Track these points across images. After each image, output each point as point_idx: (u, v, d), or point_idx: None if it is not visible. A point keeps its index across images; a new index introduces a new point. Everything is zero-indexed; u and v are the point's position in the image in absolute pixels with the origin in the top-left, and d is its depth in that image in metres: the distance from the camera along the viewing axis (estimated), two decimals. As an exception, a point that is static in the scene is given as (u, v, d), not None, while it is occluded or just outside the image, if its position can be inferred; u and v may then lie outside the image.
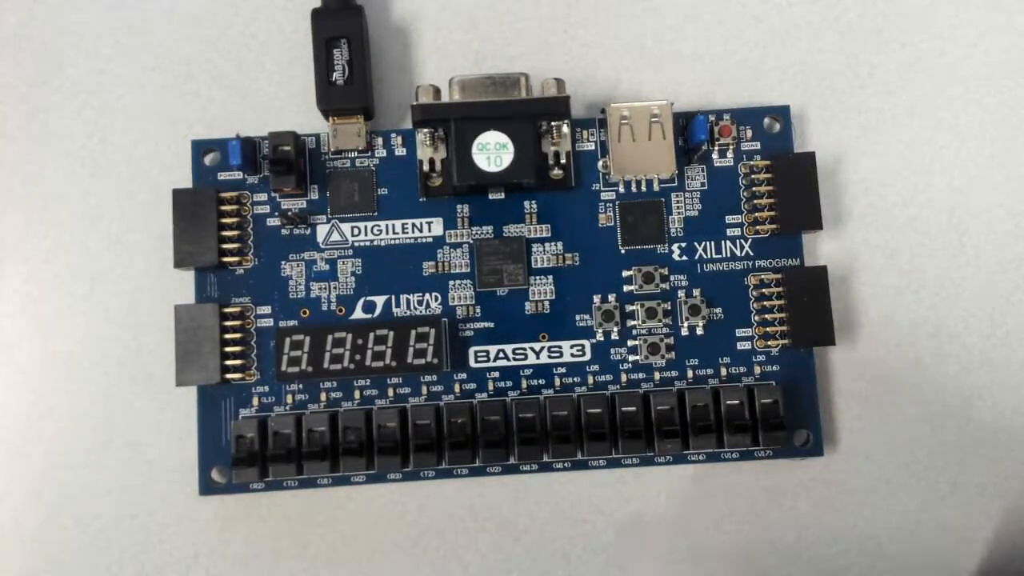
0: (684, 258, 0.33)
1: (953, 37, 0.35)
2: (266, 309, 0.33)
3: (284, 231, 0.33)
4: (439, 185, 0.33)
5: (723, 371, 0.33)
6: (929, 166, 0.34)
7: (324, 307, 0.33)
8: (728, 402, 0.31)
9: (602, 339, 0.33)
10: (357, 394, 0.33)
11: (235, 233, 0.33)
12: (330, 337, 0.32)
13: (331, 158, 0.34)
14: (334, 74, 0.33)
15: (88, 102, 0.35)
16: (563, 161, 0.33)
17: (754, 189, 0.33)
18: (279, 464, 0.31)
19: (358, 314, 0.33)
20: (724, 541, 0.33)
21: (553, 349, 0.33)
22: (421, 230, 0.33)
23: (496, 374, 0.33)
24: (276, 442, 0.31)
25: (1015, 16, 0.35)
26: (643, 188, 0.34)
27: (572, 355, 0.33)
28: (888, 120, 0.35)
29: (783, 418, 0.31)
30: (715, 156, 0.34)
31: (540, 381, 0.33)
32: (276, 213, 0.33)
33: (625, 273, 0.33)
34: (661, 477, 0.33)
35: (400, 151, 0.34)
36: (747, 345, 0.33)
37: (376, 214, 0.33)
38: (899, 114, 0.35)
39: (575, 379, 0.33)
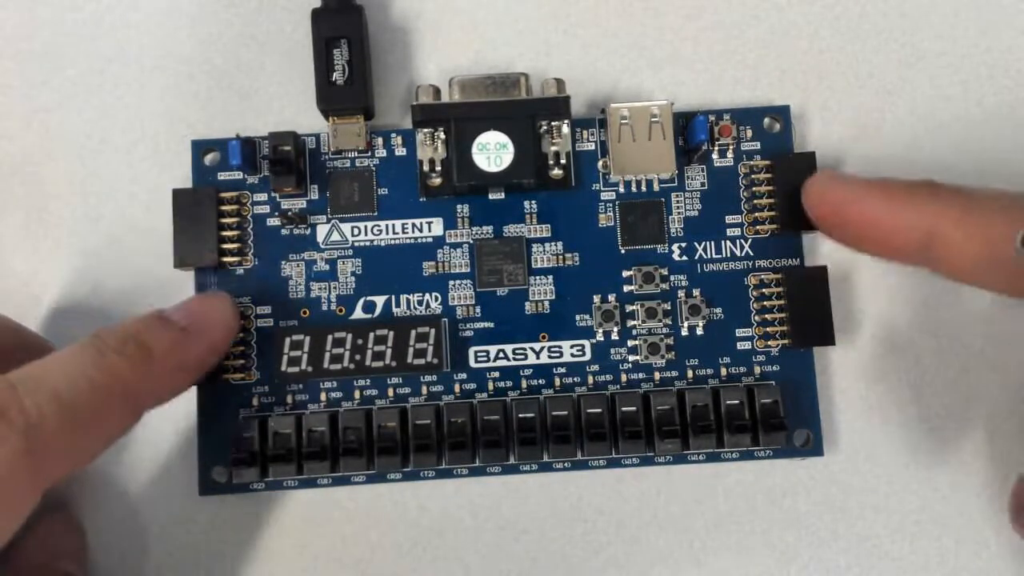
0: (684, 258, 0.33)
1: (953, 37, 0.35)
2: (266, 309, 0.33)
3: (284, 231, 0.33)
4: (439, 185, 0.33)
5: (723, 371, 0.33)
6: (929, 166, 0.34)
7: (324, 307, 0.33)
8: (728, 402, 0.31)
9: (602, 339, 0.33)
10: (357, 394, 0.33)
11: (235, 233, 0.33)
12: (330, 337, 0.32)
13: (331, 158, 0.34)
14: (334, 74, 0.33)
15: (88, 102, 0.35)
16: (563, 161, 0.33)
17: (754, 189, 0.33)
18: (279, 464, 0.31)
19: (358, 314, 0.33)
20: (724, 541, 0.33)
21: (553, 349, 0.33)
22: (421, 230, 0.33)
23: (496, 374, 0.33)
24: (276, 442, 0.31)
25: (1015, 16, 0.35)
26: (643, 188, 0.34)
27: (572, 355, 0.33)
28: (888, 120, 0.35)
29: (783, 418, 0.31)
30: (715, 156, 0.34)
31: (540, 381, 0.33)
32: (276, 213, 0.33)
33: (625, 273, 0.33)
34: (661, 477, 0.33)
35: (400, 151, 0.34)
36: (747, 345, 0.33)
37: (376, 214, 0.33)
38: (899, 114, 0.35)
39: (575, 379, 0.33)
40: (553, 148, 0.33)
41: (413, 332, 0.32)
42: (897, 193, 0.29)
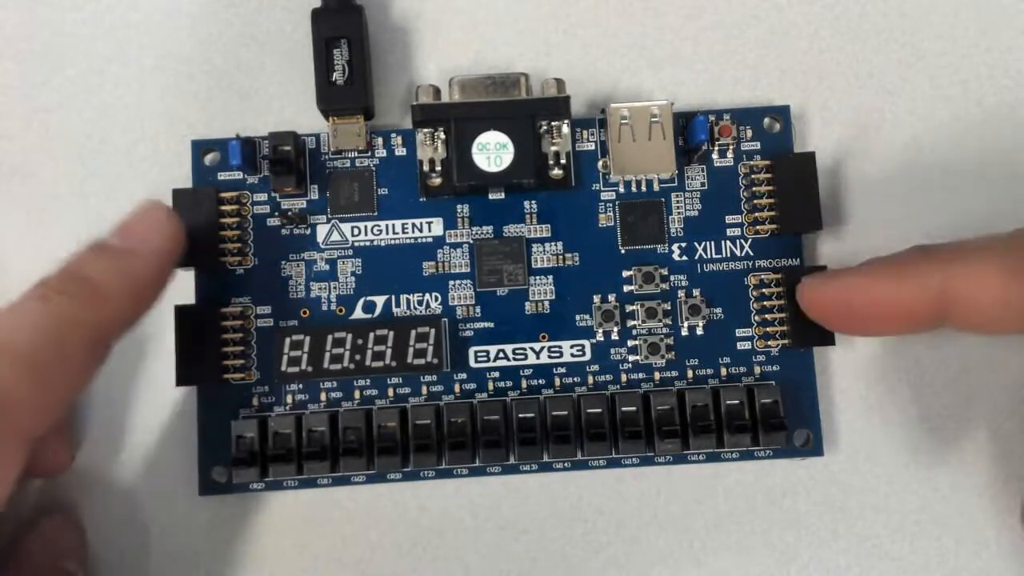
0: (684, 258, 0.33)
1: (953, 37, 0.35)
2: (266, 309, 0.33)
3: (284, 231, 0.33)
4: (439, 185, 0.33)
5: (723, 371, 0.33)
6: (929, 166, 0.34)
7: (324, 307, 0.33)
8: (728, 402, 0.31)
9: (602, 339, 0.33)
10: (357, 394, 0.33)
11: (235, 233, 0.33)
12: (330, 337, 0.32)
13: (331, 158, 0.34)
14: (334, 74, 0.33)
15: (88, 102, 0.35)
16: (563, 161, 0.33)
17: (754, 189, 0.33)
18: (279, 464, 0.31)
19: (358, 314, 0.33)
20: (724, 541, 0.33)
21: (553, 349, 0.33)
22: (421, 230, 0.33)
23: (496, 374, 0.33)
24: (276, 442, 0.31)
25: (1015, 16, 0.35)
26: (643, 188, 0.34)
27: (572, 355, 0.33)
28: (888, 120, 0.35)
29: (783, 418, 0.31)
30: (715, 156, 0.34)
31: (540, 381, 0.33)
32: (276, 213, 0.33)
33: (625, 273, 0.33)
34: (661, 477, 0.33)
35: (400, 151, 0.34)
36: (747, 345, 0.33)
37: (376, 214, 0.33)
38: (899, 114, 0.35)
39: (575, 379, 0.33)
40: (553, 148, 0.33)
41: (413, 332, 0.32)
42: (893, 269, 0.29)
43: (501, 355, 0.33)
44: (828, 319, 0.31)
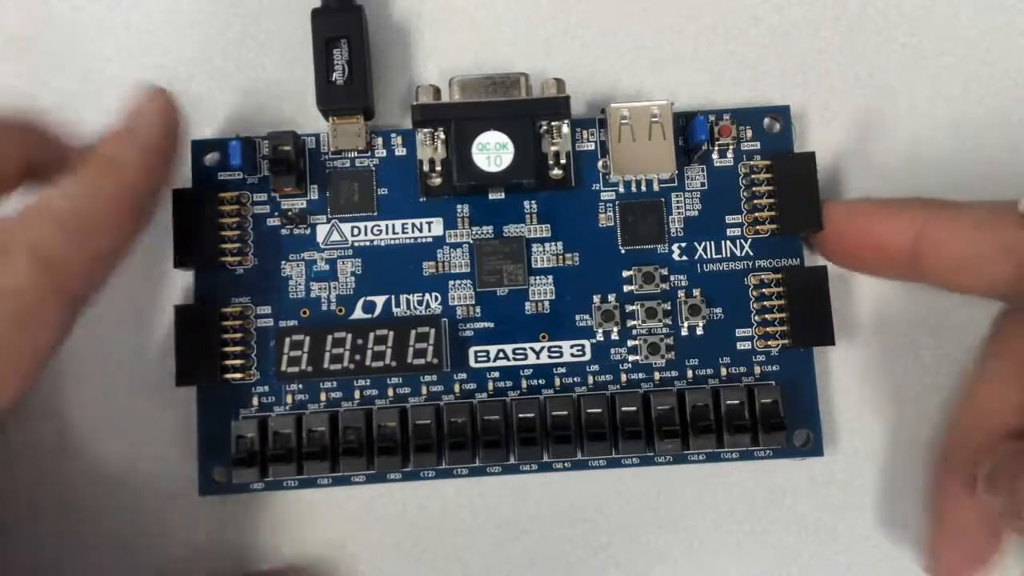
0: (684, 258, 0.33)
1: (953, 37, 0.35)
2: (266, 309, 0.33)
3: (284, 231, 0.33)
4: (439, 185, 0.33)
5: (723, 371, 0.33)
6: (929, 167, 0.34)
7: (324, 307, 0.33)
8: (728, 402, 0.31)
9: (602, 339, 0.33)
10: (357, 394, 0.33)
11: (235, 233, 0.33)
12: (330, 337, 0.32)
13: (331, 158, 0.34)
14: (334, 74, 0.33)
15: (88, 102, 0.35)
16: (563, 161, 0.33)
17: (754, 189, 0.33)
18: (279, 464, 0.31)
19: (358, 314, 0.33)
20: (724, 541, 0.33)
21: (553, 349, 0.33)
22: (421, 230, 0.33)
23: (496, 374, 0.33)
24: (276, 442, 0.31)
25: (1015, 16, 0.35)
26: (643, 188, 0.34)
27: (572, 355, 0.33)
28: (888, 120, 0.35)
29: (783, 418, 0.31)
30: (715, 156, 0.34)
31: (540, 381, 0.33)
32: (276, 213, 0.33)
33: (625, 273, 0.33)
34: (661, 477, 0.33)
35: (400, 151, 0.34)
36: (747, 345, 0.33)
37: (376, 214, 0.33)
38: (899, 114, 0.35)
39: (575, 379, 0.33)
40: (553, 148, 0.33)
41: (413, 332, 0.32)
42: (887, 204, 0.31)
43: (501, 355, 0.33)
44: (834, 250, 0.33)
